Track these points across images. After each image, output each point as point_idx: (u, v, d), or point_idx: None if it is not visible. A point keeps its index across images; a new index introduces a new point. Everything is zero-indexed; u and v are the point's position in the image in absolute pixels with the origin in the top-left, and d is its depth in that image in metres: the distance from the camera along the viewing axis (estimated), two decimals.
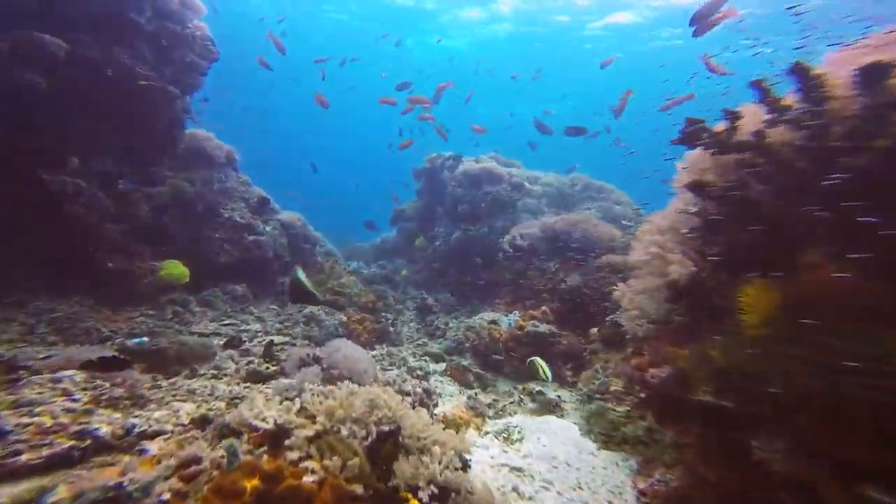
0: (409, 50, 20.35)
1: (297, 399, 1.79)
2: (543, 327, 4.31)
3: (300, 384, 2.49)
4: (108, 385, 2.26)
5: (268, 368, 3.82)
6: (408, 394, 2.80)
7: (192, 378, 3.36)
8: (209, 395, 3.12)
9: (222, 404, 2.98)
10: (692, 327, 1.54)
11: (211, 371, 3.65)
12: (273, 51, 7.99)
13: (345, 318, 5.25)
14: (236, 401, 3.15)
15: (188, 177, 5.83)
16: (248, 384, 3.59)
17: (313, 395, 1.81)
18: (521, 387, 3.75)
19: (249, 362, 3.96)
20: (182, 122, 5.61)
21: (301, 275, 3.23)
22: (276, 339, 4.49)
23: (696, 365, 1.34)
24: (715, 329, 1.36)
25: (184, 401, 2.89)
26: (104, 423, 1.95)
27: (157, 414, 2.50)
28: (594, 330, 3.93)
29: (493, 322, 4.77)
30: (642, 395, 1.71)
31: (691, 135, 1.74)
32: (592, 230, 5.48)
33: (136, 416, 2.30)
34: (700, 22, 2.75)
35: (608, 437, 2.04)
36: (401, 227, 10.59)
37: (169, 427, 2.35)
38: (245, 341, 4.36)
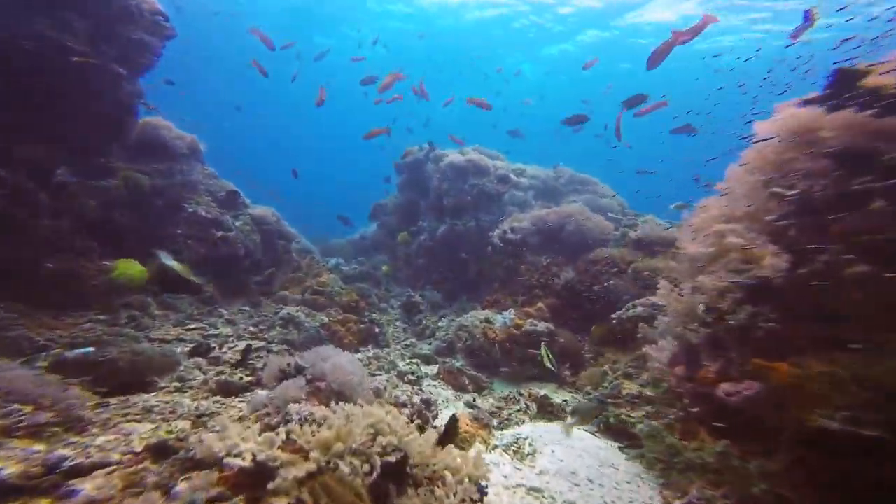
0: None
1: (281, 428, 1.43)
2: (541, 326, 4.07)
3: (282, 401, 2.12)
4: (28, 409, 1.81)
5: (241, 379, 3.40)
6: (404, 405, 2.48)
7: (151, 393, 2.90)
8: (170, 412, 2.68)
9: (186, 424, 2.56)
10: (792, 337, 1.28)
11: (174, 383, 3.20)
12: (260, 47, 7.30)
13: (326, 320, 4.84)
14: (204, 418, 2.73)
15: (144, 168, 5.22)
16: (218, 398, 3.15)
17: (303, 422, 1.45)
18: (525, 392, 3.49)
19: (220, 372, 3.51)
20: (132, 107, 4.99)
21: (167, 259, 2.78)
22: (252, 343, 4.05)
23: (826, 386, 1.09)
24: (832, 340, 1.12)
25: (138, 421, 2.45)
26: (13, 461, 1.52)
27: (100, 440, 2.06)
28: (596, 328, 3.72)
29: (487, 321, 4.50)
30: (693, 409, 1.47)
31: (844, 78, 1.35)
32: (585, 223, 5.30)
33: (68, 446, 1.86)
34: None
35: (667, 463, 1.79)
36: (382, 222, 10.16)
37: (115, 457, 1.92)
38: (214, 347, 3.90)
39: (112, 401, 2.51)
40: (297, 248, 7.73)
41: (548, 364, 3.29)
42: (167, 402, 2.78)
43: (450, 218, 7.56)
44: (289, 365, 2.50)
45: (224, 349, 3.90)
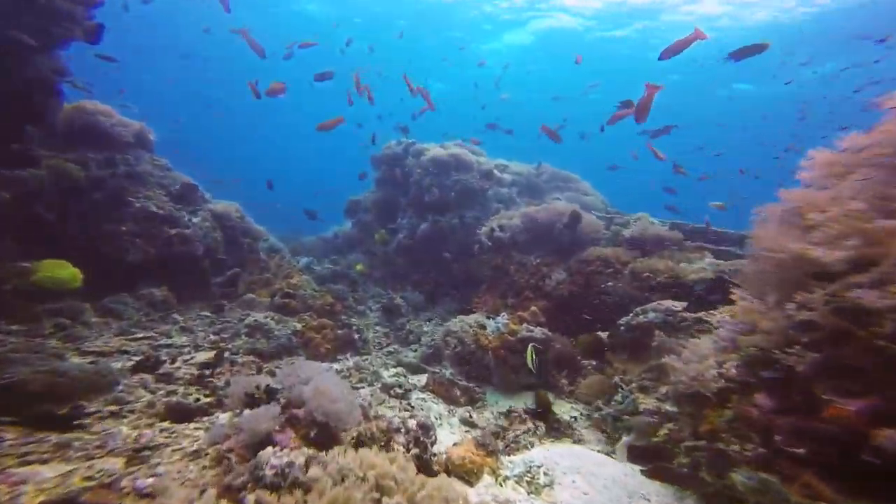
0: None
1: (249, 496, 1.01)
2: (538, 331, 3.78)
3: (251, 437, 1.67)
4: None
5: (198, 400, 2.88)
6: (397, 430, 2.08)
7: (74, 420, 2.33)
8: (97, 447, 2.14)
9: (118, 462, 2.04)
10: None
11: (108, 407, 2.63)
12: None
13: (299, 326, 4.34)
14: (145, 453, 2.22)
15: (77, 157, 4.50)
16: (167, 424, 2.63)
17: (280, 485, 1.03)
18: (520, 406, 3.17)
19: (171, 392, 2.97)
20: (52, 84, 4.24)
21: None
22: (211, 355, 3.51)
23: None
24: None
25: (44, 462, 1.90)
26: None
27: None
28: (602, 335, 3.45)
29: (479, 326, 4.16)
30: (794, 449, 1.19)
31: None
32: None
33: None
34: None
35: None
36: (358, 219, 9.62)
37: None
38: (165, 361, 3.33)
39: (9, 434, 1.94)
40: (265, 247, 7.10)
41: (530, 365, 3.15)
42: (94, 435, 2.23)
43: (432, 215, 7.18)
44: (258, 388, 2.04)
45: (177, 363, 3.34)
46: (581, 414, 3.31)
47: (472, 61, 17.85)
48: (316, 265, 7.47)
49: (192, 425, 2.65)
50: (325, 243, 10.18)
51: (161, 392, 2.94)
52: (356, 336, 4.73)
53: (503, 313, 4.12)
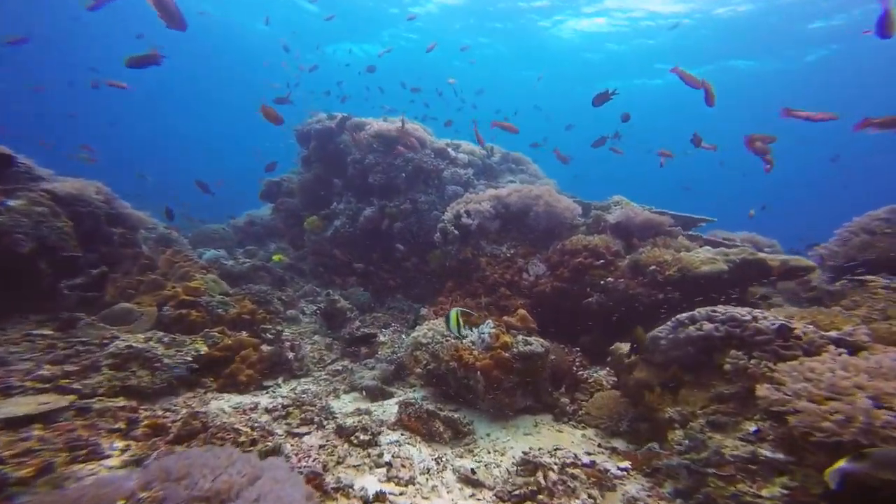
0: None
1: None
2: (536, 343, 3.03)
3: None
4: None
5: None
6: None
7: None
8: None
9: None
10: None
11: None
12: None
13: (204, 349, 3.03)
14: None
15: None
16: None
17: None
18: (525, 445, 2.39)
19: None
20: None
21: None
22: (33, 406, 2.13)
23: None
24: None
25: None
26: None
27: None
28: (623, 349, 2.80)
29: (458, 336, 3.29)
30: None
31: None
32: (556, 205, 4.45)
33: None
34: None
35: None
36: (280, 203, 8.04)
37: None
38: None
39: None
40: (154, 238, 5.35)
41: (455, 332, 2.78)
42: None
43: (377, 199, 6.07)
44: None
45: None
46: (601, 445, 2.64)
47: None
48: (227, 259, 5.89)
49: None
50: (238, 231, 8.40)
51: None
52: (290, 355, 3.54)
53: (488, 321, 3.30)
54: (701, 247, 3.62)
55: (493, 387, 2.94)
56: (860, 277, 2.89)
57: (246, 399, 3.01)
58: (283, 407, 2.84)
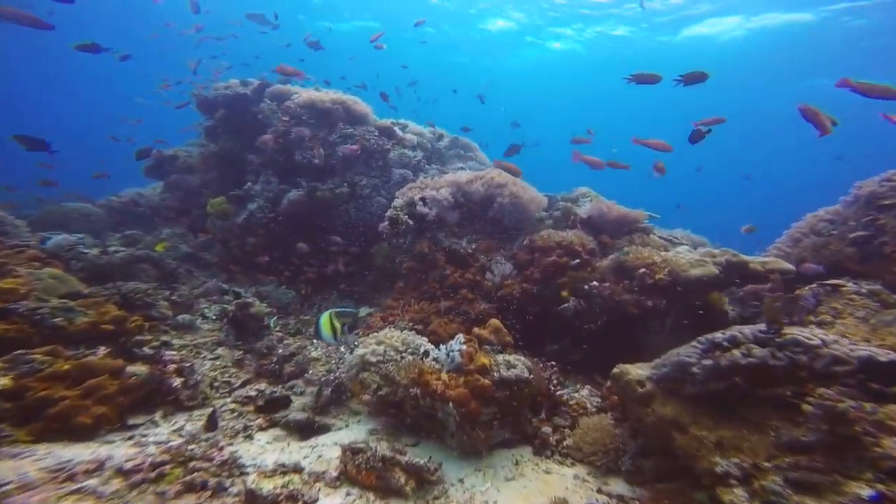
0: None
1: None
2: (520, 366, 2.44)
3: None
4: None
5: None
6: None
7: None
8: None
9: None
10: None
11: None
12: None
13: (4, 384, 1.87)
14: None
15: None
16: None
17: None
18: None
19: None
20: None
21: None
22: None
23: None
24: None
25: None
26: None
27: None
28: (632, 374, 2.30)
29: (415, 352, 2.58)
30: None
31: None
32: (522, 195, 3.95)
33: None
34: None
35: None
36: (175, 181, 6.45)
37: None
38: None
39: None
40: None
41: (329, 337, 2.31)
42: None
43: (306, 180, 5.04)
44: None
45: None
46: (602, 490, 2.14)
47: None
48: (86, 247, 4.35)
49: None
50: (113, 211, 6.58)
51: None
52: (175, 382, 2.47)
53: (459, 335, 2.62)
54: (676, 245, 3.39)
55: (469, 421, 2.28)
56: (832, 283, 2.83)
57: (84, 453, 1.92)
58: (155, 465, 1.84)
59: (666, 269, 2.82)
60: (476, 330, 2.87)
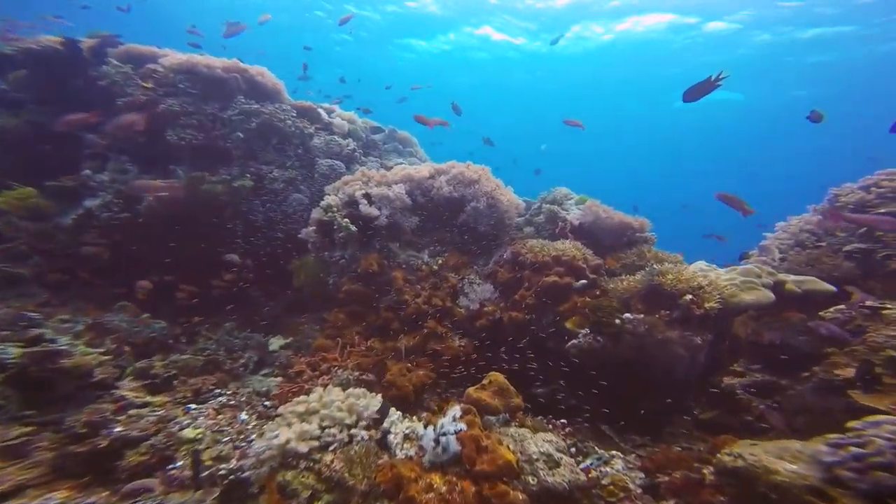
0: None
1: None
2: (564, 463, 1.51)
3: None
4: None
5: None
6: None
7: None
8: None
9: None
10: None
11: None
12: None
13: None
14: None
15: None
16: None
17: None
18: None
19: None
20: None
21: None
22: None
23: None
24: None
25: None
26: None
27: None
28: (781, 472, 1.48)
29: (406, 435, 1.48)
30: None
31: None
32: (500, 197, 3.09)
33: None
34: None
35: None
36: None
37: None
38: None
39: None
40: None
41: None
42: None
43: (187, 168, 3.51)
44: None
45: None
46: None
47: None
48: None
49: None
50: None
51: None
52: None
53: (456, 408, 1.58)
54: (679, 259, 2.86)
55: None
56: (871, 304, 2.50)
57: None
58: None
59: (717, 295, 2.19)
60: (473, 393, 1.85)
